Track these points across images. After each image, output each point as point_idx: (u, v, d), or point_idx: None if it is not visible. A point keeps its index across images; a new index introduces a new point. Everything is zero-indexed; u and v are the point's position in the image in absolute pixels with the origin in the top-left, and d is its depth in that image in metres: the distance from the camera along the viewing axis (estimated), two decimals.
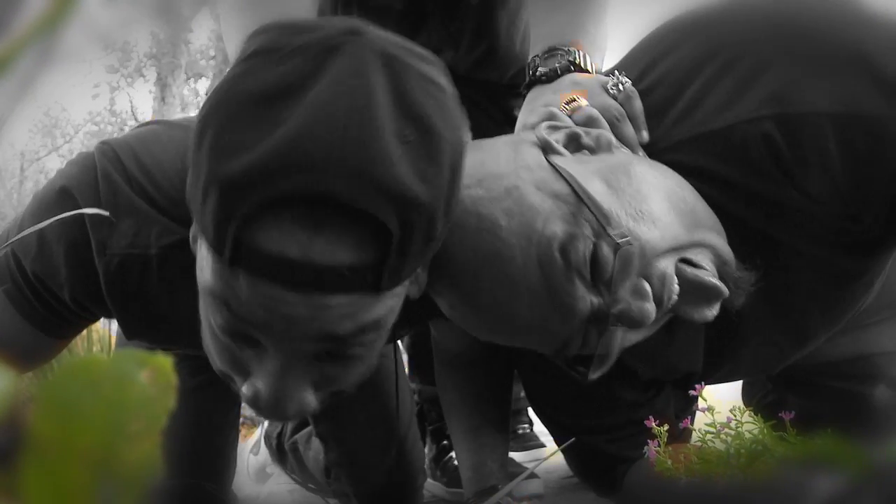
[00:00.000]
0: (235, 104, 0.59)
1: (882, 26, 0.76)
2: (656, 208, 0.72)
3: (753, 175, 0.76)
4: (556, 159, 0.74)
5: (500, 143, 0.78)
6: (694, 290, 0.73)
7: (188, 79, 12.05)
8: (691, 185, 0.77)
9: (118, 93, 13.88)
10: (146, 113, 13.32)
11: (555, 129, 0.77)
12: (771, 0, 0.81)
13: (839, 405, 1.03)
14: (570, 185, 0.71)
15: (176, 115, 10.74)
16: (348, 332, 0.63)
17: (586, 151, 0.77)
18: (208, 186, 0.59)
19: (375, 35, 0.63)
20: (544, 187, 0.71)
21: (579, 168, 0.73)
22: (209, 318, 0.66)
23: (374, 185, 0.57)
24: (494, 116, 1.38)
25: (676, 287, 0.72)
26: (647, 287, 0.71)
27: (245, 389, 0.67)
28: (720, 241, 0.76)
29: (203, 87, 13.16)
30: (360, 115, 0.57)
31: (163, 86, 11.12)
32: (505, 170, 0.73)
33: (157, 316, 0.82)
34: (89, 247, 0.78)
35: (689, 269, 0.73)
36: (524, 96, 0.89)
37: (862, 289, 0.87)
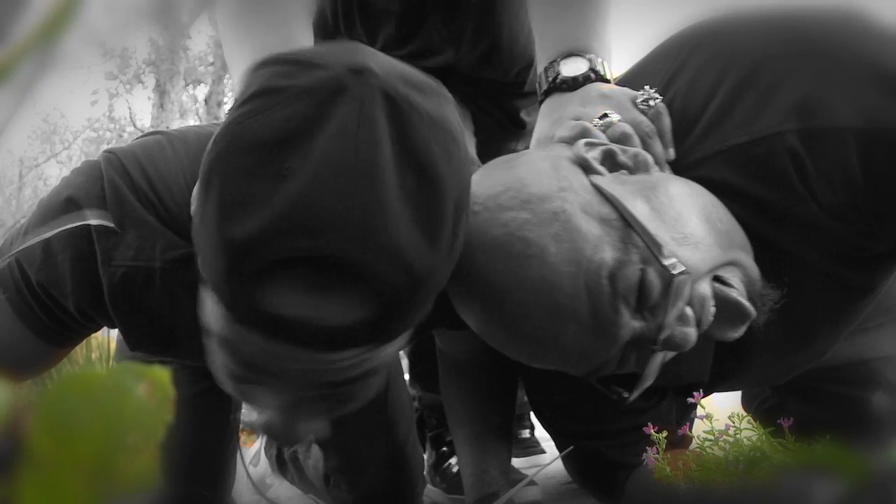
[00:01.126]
0: (240, 152, 0.59)
1: None
2: (697, 230, 0.72)
3: (775, 189, 0.76)
4: (598, 180, 0.73)
5: (537, 160, 0.76)
6: (724, 310, 0.73)
7: (187, 85, 12.06)
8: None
9: (117, 99, 13.87)
10: (145, 119, 13.34)
11: (591, 146, 0.76)
12: (784, 11, 0.80)
13: (838, 410, 1.03)
14: (617, 210, 0.70)
15: (174, 121, 10.75)
16: (352, 379, 0.65)
17: (623, 170, 0.76)
18: (215, 246, 0.59)
19: (382, 71, 0.61)
20: (591, 211, 0.70)
21: (621, 189, 0.72)
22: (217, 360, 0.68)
23: (379, 249, 0.58)
24: (498, 118, 1.38)
25: (713, 309, 0.72)
26: (690, 312, 0.71)
27: (259, 421, 0.70)
28: (749, 260, 0.76)
29: (201, 93, 13.18)
30: (365, 172, 0.57)
31: (161, 92, 11.12)
32: (548, 191, 0.72)
33: (160, 328, 0.83)
34: (95, 257, 0.78)
35: (722, 289, 0.73)
36: (541, 102, 0.88)
37: (870, 303, 0.87)
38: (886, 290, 0.92)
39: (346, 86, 0.59)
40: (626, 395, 0.75)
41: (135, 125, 13.71)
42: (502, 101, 1.37)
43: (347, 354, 0.62)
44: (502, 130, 1.38)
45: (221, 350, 0.65)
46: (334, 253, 0.57)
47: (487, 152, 1.31)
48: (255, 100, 0.61)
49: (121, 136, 13.75)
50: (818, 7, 0.80)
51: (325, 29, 1.27)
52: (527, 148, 0.90)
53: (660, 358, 0.73)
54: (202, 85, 12.92)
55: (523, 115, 1.35)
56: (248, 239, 0.57)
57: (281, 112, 0.59)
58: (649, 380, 0.74)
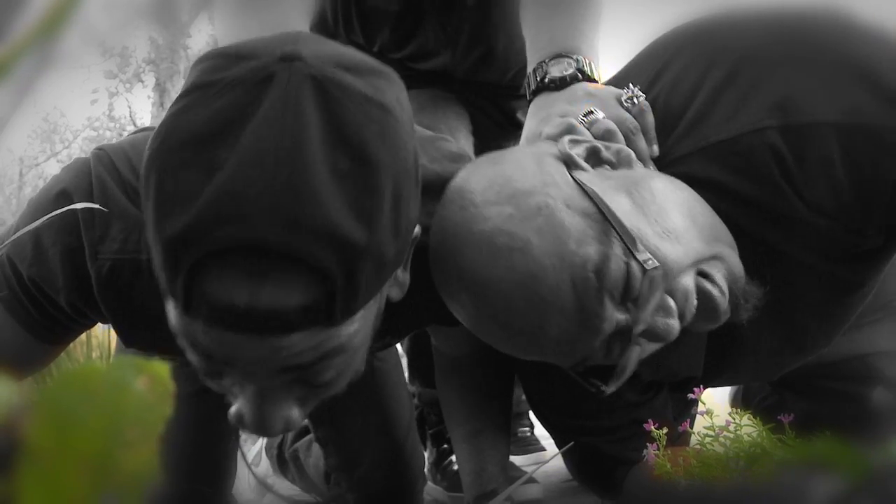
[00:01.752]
0: (173, 148, 0.59)
1: (879, 38, 0.77)
2: (679, 224, 0.73)
3: (759, 186, 0.76)
4: (580, 175, 0.74)
5: (522, 156, 0.78)
6: (701, 303, 0.74)
7: None
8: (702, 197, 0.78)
9: (117, 98, 13.88)
10: (145, 118, 13.34)
11: (576, 142, 0.77)
12: (770, 10, 0.81)
13: (836, 406, 1.03)
14: (597, 206, 0.71)
15: None
16: (311, 361, 0.63)
17: (607, 166, 0.77)
18: (155, 241, 0.60)
19: (312, 56, 0.61)
20: (574, 205, 0.71)
21: (603, 185, 0.73)
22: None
23: (309, 233, 0.57)
24: (495, 118, 1.38)
25: (695, 301, 0.73)
26: (672, 304, 0.72)
27: (232, 410, 0.69)
28: (732, 255, 0.76)
29: None
30: (291, 156, 0.57)
31: (161, 91, 11.14)
32: (532, 186, 0.72)
33: (150, 321, 0.82)
34: (84, 251, 0.78)
35: (701, 281, 0.74)
36: (530, 101, 0.90)
37: (860, 298, 0.88)
38: (882, 285, 0.92)
39: (273, 74, 0.59)
40: (604, 387, 0.75)
41: (135, 124, 13.71)
42: (499, 102, 1.37)
43: (296, 338, 0.61)
44: (500, 130, 1.39)
45: (183, 344, 0.65)
46: (265, 237, 0.56)
47: (486, 152, 1.31)
48: (188, 96, 0.61)
49: (121, 134, 13.76)
50: (801, 7, 0.81)
51: (326, 30, 1.27)
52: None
53: (637, 350, 0.74)
54: None
55: (520, 115, 1.36)
56: (182, 232, 0.57)
57: (211, 106, 0.59)
58: (627, 372, 0.75)
